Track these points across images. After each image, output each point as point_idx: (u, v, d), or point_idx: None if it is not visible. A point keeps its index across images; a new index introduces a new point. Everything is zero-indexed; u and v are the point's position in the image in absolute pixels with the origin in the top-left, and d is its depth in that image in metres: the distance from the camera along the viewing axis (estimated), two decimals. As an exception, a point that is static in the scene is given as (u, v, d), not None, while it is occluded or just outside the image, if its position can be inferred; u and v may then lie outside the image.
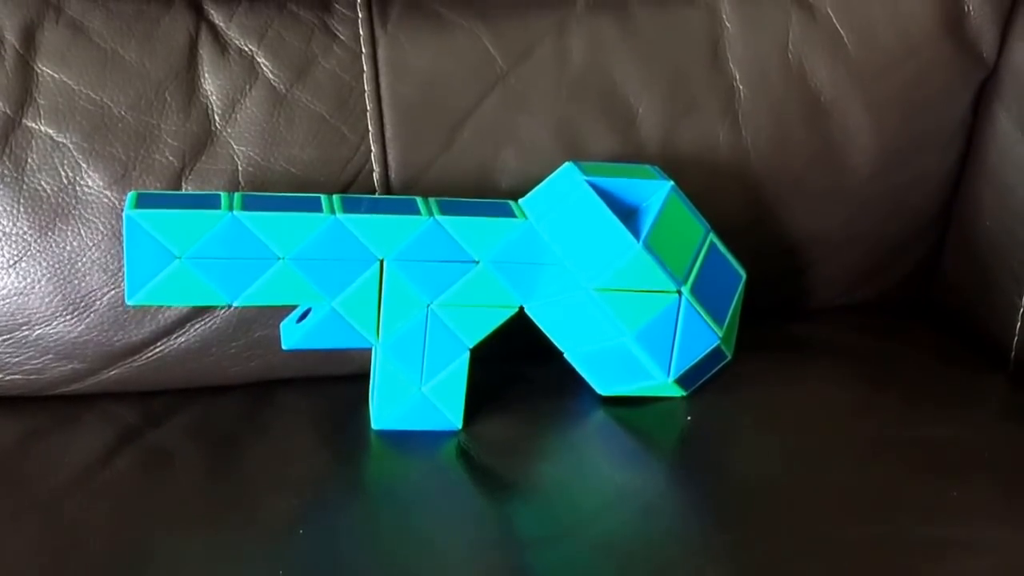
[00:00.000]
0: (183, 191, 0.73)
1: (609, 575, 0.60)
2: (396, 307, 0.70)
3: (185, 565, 0.61)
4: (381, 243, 0.68)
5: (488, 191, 0.76)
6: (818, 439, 0.71)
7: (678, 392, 0.74)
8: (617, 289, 0.69)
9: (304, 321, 0.70)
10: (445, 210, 0.69)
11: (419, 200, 0.71)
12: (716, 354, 0.74)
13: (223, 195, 0.68)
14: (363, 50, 0.76)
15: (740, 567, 0.60)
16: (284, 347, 0.71)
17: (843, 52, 0.81)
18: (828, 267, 0.86)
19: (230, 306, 0.69)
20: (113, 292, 0.74)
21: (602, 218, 0.69)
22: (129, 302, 0.67)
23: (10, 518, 0.65)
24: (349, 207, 0.68)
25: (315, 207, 0.68)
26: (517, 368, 0.78)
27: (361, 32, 0.76)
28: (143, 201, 0.67)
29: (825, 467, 0.68)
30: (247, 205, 0.67)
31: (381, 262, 0.69)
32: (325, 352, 0.78)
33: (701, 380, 0.76)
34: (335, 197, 0.69)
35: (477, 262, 0.70)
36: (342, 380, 0.78)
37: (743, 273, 0.76)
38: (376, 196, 0.74)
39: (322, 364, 0.78)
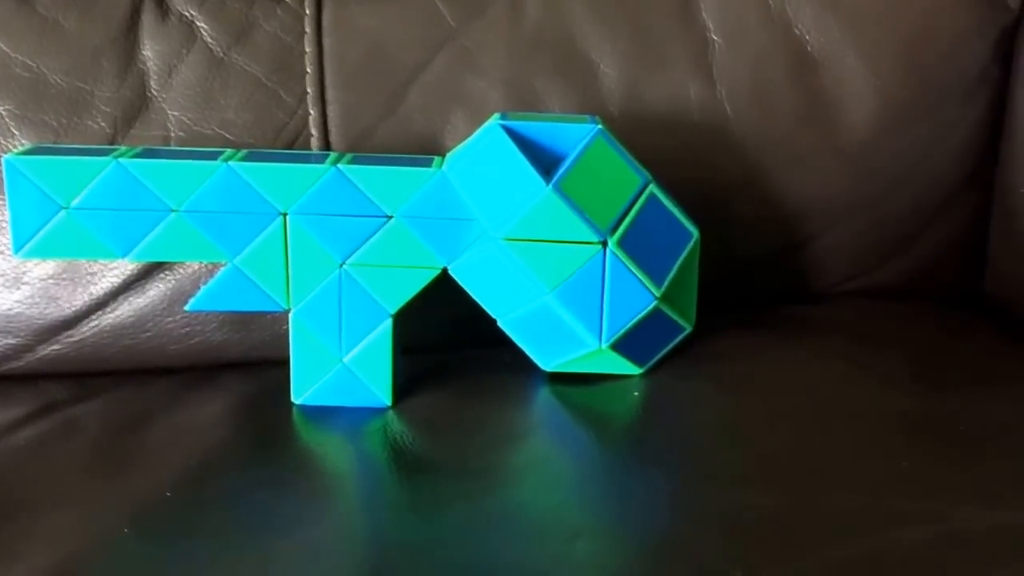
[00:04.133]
0: (83, 145, 0.70)
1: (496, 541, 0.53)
2: (305, 266, 0.65)
3: (43, 522, 0.57)
4: (281, 194, 0.64)
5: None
6: (774, 412, 0.61)
7: (631, 368, 0.66)
8: (529, 239, 0.62)
9: (207, 281, 0.66)
10: (357, 162, 0.64)
11: (334, 154, 0.66)
12: (664, 322, 0.66)
13: (122, 148, 0.65)
14: (306, 12, 0.72)
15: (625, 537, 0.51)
16: (187, 308, 0.66)
17: (833, -4, 0.72)
18: (830, 241, 0.75)
19: (124, 259, 0.65)
20: (44, 263, 0.71)
21: (510, 159, 0.62)
22: (16, 255, 0.64)
23: None
24: (252, 159, 0.64)
25: (214, 159, 0.64)
26: (466, 351, 0.71)
27: (308, -6, 0.73)
28: (35, 151, 0.64)
29: (765, 435, 0.59)
30: (140, 156, 0.64)
31: (285, 216, 0.64)
32: (268, 333, 0.73)
33: (657, 355, 0.67)
34: (241, 152, 0.65)
35: (390, 217, 0.64)
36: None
37: (695, 231, 0.67)
38: (289, 151, 0.70)
39: (266, 345, 0.74)
